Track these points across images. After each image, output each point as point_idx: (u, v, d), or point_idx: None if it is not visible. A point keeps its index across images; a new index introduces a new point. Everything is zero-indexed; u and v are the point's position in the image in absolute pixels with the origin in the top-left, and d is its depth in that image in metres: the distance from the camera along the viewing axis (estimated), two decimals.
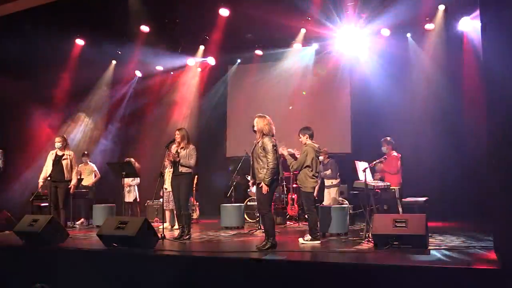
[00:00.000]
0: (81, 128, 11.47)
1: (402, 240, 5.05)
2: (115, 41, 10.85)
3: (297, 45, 10.92)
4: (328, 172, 8.43)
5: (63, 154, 8.07)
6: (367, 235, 6.05)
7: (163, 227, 6.60)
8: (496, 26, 4.11)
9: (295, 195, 9.01)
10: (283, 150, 6.12)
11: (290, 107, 11.25)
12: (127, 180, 9.34)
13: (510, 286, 3.57)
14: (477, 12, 8.17)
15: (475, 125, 8.92)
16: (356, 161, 6.96)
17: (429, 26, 9.66)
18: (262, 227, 6.21)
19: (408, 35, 10.09)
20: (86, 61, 10.76)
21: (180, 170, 6.54)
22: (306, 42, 10.83)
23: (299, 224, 8.72)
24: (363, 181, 6.31)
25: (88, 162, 9.87)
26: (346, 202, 8.55)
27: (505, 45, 3.97)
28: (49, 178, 7.81)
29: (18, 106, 9.74)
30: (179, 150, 6.63)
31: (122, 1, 9.23)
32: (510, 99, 3.90)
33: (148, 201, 9.92)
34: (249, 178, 6.95)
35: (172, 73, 12.55)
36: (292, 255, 5.30)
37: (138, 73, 12.46)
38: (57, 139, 8.21)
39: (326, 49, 11.08)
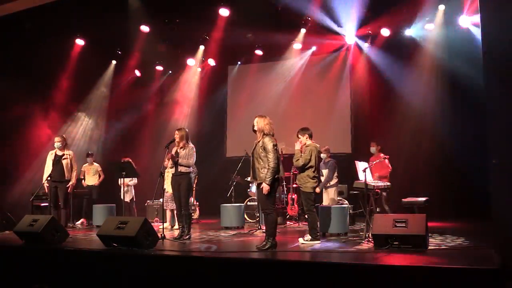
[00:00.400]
0: (81, 128, 11.46)
1: (402, 240, 5.05)
2: (115, 41, 10.87)
3: (297, 45, 10.92)
4: (325, 171, 8.39)
5: (63, 154, 8.08)
6: (367, 235, 6.05)
7: (163, 227, 6.60)
8: (496, 22, 4.11)
9: (295, 195, 9.01)
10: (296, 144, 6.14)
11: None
12: (126, 180, 9.35)
13: (510, 286, 3.57)
14: (477, 10, 8.20)
15: (475, 124, 8.91)
16: (356, 161, 6.98)
17: (429, 26, 9.65)
18: (263, 227, 6.21)
19: (408, 35, 10.08)
20: (86, 61, 10.76)
21: (180, 170, 6.54)
22: (306, 42, 10.82)
23: (299, 224, 8.71)
24: (363, 181, 6.31)
25: (93, 162, 9.90)
26: (346, 202, 8.55)
27: (506, 41, 3.97)
28: (49, 178, 7.82)
29: (18, 106, 9.73)
30: (178, 150, 6.63)
31: (122, 1, 9.23)
32: (511, 98, 3.90)
33: (148, 201, 9.92)
34: (248, 179, 6.97)
35: (172, 72, 12.55)
36: (292, 255, 5.31)
37: (138, 73, 12.47)
38: (57, 139, 8.22)
39: (326, 49, 11.08)
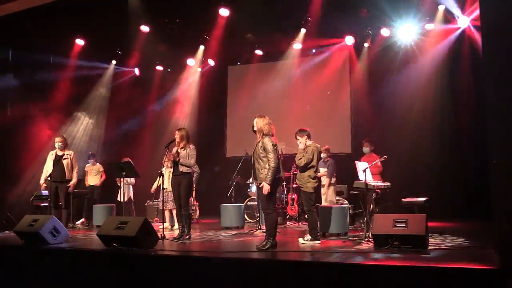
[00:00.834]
0: (81, 128, 11.46)
1: (402, 240, 5.05)
2: (115, 41, 10.86)
3: (297, 45, 10.92)
4: (323, 170, 8.36)
5: (63, 154, 8.09)
6: (367, 235, 6.05)
7: (163, 227, 6.60)
8: (496, 23, 4.11)
9: (295, 195, 9.01)
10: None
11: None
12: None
13: (510, 286, 3.57)
14: (477, 10, 8.21)
15: (475, 124, 8.93)
16: (356, 161, 6.98)
17: (429, 26, 9.65)
18: (263, 227, 6.21)
19: (407, 35, 10.08)
20: (86, 61, 10.74)
21: (180, 170, 6.54)
22: (306, 42, 10.82)
23: (299, 224, 8.71)
24: (363, 181, 6.31)
25: (96, 163, 9.91)
26: (346, 202, 8.55)
27: (506, 41, 3.97)
28: (49, 178, 7.83)
29: (18, 106, 9.73)
30: (179, 150, 6.63)
31: (122, 1, 9.23)
32: (511, 98, 3.90)
33: (148, 201, 9.92)
34: (250, 180, 6.97)
35: (172, 72, 12.54)
36: (292, 255, 5.31)
37: (138, 73, 12.47)
38: (58, 139, 8.23)
39: (326, 49, 11.08)
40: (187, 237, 6.46)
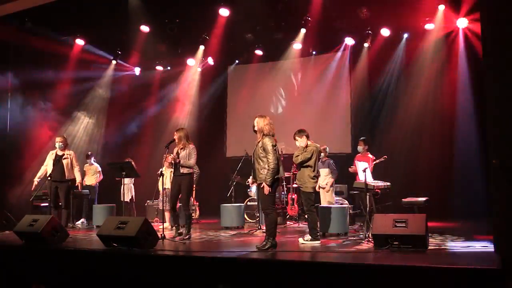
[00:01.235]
0: (81, 128, 11.46)
1: (402, 240, 5.05)
2: (115, 41, 10.86)
3: (297, 45, 10.92)
4: (327, 170, 8.38)
5: (63, 154, 8.09)
6: (367, 235, 6.05)
7: (163, 227, 6.59)
8: (497, 24, 4.12)
9: (295, 195, 9.00)
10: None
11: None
12: (125, 180, 9.37)
13: (510, 286, 3.57)
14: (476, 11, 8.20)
15: (476, 124, 8.93)
16: (356, 161, 6.98)
17: (429, 26, 9.65)
18: (263, 227, 6.21)
19: (407, 35, 10.07)
20: (86, 61, 10.73)
21: (181, 171, 6.52)
22: (306, 42, 10.82)
23: (299, 224, 8.71)
24: (363, 181, 6.31)
25: (93, 163, 9.92)
26: (346, 202, 8.54)
27: (506, 42, 3.98)
28: (49, 178, 7.82)
29: (18, 106, 9.72)
30: (179, 151, 6.62)
31: (122, 1, 9.23)
32: (511, 98, 3.91)
33: (148, 201, 9.92)
34: (250, 180, 6.96)
35: (172, 72, 12.55)
36: (292, 255, 5.31)
37: (138, 73, 12.46)
38: (58, 139, 8.23)
39: (326, 49, 11.09)
40: (187, 237, 6.45)
